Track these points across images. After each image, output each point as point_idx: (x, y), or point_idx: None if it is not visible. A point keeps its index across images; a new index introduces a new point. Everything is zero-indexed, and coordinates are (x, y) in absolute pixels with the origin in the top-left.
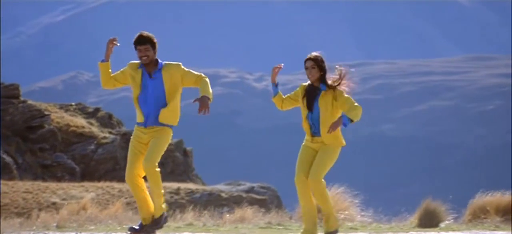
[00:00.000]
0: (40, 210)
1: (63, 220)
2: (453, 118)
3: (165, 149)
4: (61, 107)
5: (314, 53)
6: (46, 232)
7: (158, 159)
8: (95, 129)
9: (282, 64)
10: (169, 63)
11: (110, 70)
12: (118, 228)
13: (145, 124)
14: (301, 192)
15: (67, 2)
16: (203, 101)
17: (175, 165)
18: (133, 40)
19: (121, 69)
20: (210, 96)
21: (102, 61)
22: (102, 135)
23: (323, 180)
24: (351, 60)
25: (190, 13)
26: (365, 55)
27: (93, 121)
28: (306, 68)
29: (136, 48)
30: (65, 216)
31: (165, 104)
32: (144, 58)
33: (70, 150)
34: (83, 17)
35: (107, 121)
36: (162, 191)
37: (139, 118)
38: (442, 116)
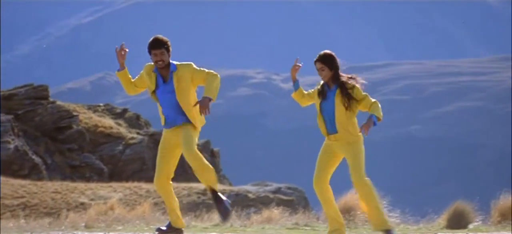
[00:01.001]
0: (68, 210)
1: (91, 220)
2: (481, 119)
3: (196, 138)
4: (89, 108)
5: (321, 53)
6: (75, 232)
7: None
8: (123, 130)
9: (301, 63)
10: (181, 65)
11: (129, 77)
12: (146, 228)
13: (167, 126)
14: (319, 197)
15: (95, 4)
16: (203, 103)
17: None
18: (148, 44)
19: (140, 73)
20: (213, 96)
21: (118, 70)
22: (130, 135)
23: (367, 178)
24: (378, 60)
25: (217, 14)
26: (392, 56)
27: (121, 121)
28: (317, 70)
29: (150, 53)
30: (93, 216)
31: (179, 106)
32: (160, 62)
33: (98, 150)
34: (111, 18)
35: (134, 122)
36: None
37: (162, 120)
38: (470, 117)
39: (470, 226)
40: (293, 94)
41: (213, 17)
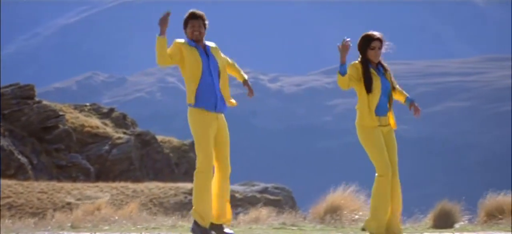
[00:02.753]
0: (55, 210)
1: (78, 220)
2: (469, 119)
3: None
4: (76, 108)
5: (378, 33)
6: (61, 232)
7: None
8: (110, 129)
9: (350, 41)
10: (213, 46)
11: (166, 45)
12: (133, 228)
13: (215, 108)
14: (387, 193)
15: (83, 3)
16: (249, 85)
17: (190, 165)
18: (185, 17)
19: (172, 46)
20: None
21: (159, 35)
22: (117, 135)
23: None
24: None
25: (206, 12)
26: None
27: (107, 121)
28: (372, 48)
29: (187, 25)
30: (80, 216)
31: (219, 85)
32: (197, 33)
33: (85, 150)
34: (99, 18)
35: (121, 121)
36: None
37: (206, 101)
38: (458, 117)
39: (457, 225)
40: (340, 80)
41: None
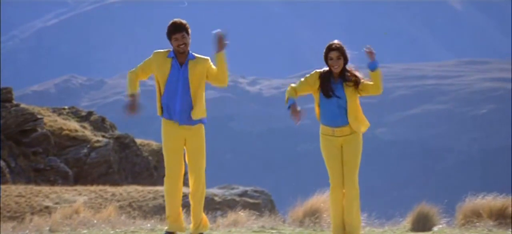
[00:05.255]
0: (33, 214)
1: (56, 224)
2: (446, 122)
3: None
4: (54, 111)
5: (337, 42)
6: None
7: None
8: (88, 133)
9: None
10: (199, 56)
11: (137, 86)
12: (111, 232)
13: (179, 121)
14: (336, 202)
15: (61, 6)
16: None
17: None
18: (168, 29)
19: (146, 62)
20: (223, 56)
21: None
22: (95, 138)
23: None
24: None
25: (182, 16)
26: (358, 59)
27: (86, 124)
28: (330, 58)
29: (171, 38)
30: (58, 220)
31: (190, 99)
32: (182, 46)
33: (63, 153)
34: (77, 21)
35: (100, 125)
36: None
37: (167, 113)
38: (436, 120)
39: (435, 228)
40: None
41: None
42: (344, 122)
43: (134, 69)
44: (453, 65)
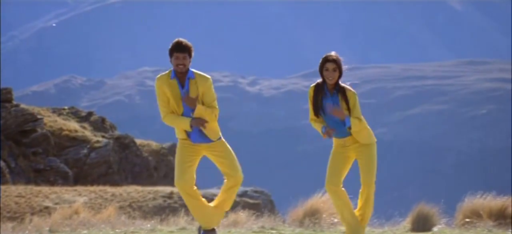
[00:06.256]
0: (32, 214)
1: (56, 224)
2: (446, 122)
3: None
4: (54, 112)
5: (334, 54)
6: None
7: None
8: (88, 133)
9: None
10: (199, 74)
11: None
12: (111, 232)
13: (193, 141)
14: (333, 195)
15: (61, 6)
16: (199, 121)
17: (168, 169)
18: (171, 47)
19: (159, 95)
20: (209, 117)
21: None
22: (95, 139)
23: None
24: (344, 64)
25: (183, 16)
26: (358, 60)
27: (86, 125)
28: (326, 69)
29: (172, 55)
30: (58, 220)
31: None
32: (181, 66)
33: (63, 154)
34: (77, 21)
35: (100, 125)
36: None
37: (182, 134)
38: (435, 120)
39: (435, 228)
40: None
41: (179, 19)
42: (345, 133)
43: (163, 113)
44: (453, 65)
